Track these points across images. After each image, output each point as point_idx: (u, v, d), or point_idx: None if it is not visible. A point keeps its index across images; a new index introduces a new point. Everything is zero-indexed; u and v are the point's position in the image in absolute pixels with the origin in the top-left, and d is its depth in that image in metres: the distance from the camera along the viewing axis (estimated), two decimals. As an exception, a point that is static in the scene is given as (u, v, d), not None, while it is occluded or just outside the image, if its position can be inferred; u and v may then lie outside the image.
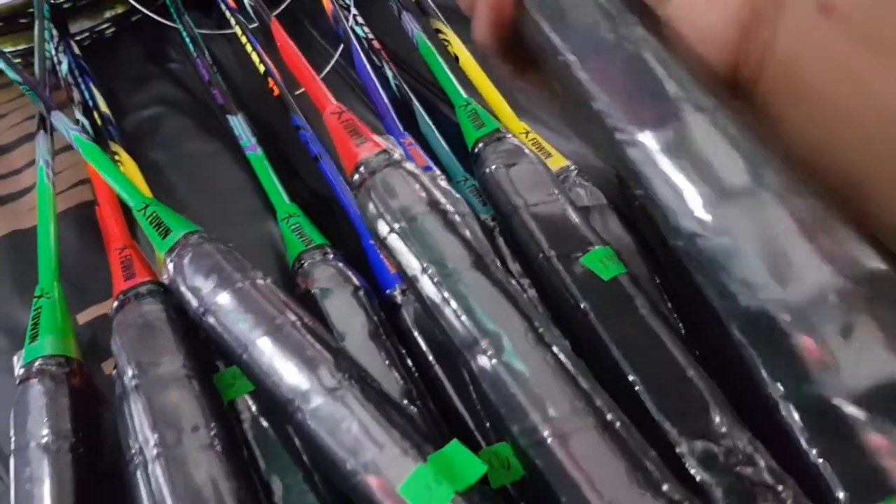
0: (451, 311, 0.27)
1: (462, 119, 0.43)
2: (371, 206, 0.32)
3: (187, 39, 0.54)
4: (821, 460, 0.20)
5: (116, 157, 0.47)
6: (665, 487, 0.22)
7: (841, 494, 0.19)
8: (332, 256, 0.38)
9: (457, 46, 0.49)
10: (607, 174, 0.41)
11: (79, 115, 0.49)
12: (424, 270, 0.29)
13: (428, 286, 0.28)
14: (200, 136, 0.51)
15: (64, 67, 0.52)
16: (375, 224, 0.31)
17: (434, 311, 0.28)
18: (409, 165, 0.32)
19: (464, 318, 0.27)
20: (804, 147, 0.20)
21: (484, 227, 0.39)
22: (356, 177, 0.32)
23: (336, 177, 0.44)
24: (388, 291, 0.38)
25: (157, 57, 0.59)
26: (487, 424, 0.32)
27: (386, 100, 0.49)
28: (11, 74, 0.46)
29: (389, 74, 0.53)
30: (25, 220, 0.47)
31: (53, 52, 0.52)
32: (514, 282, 0.28)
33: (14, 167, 0.51)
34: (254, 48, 0.50)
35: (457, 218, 0.30)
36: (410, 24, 0.51)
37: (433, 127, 0.48)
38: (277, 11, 0.57)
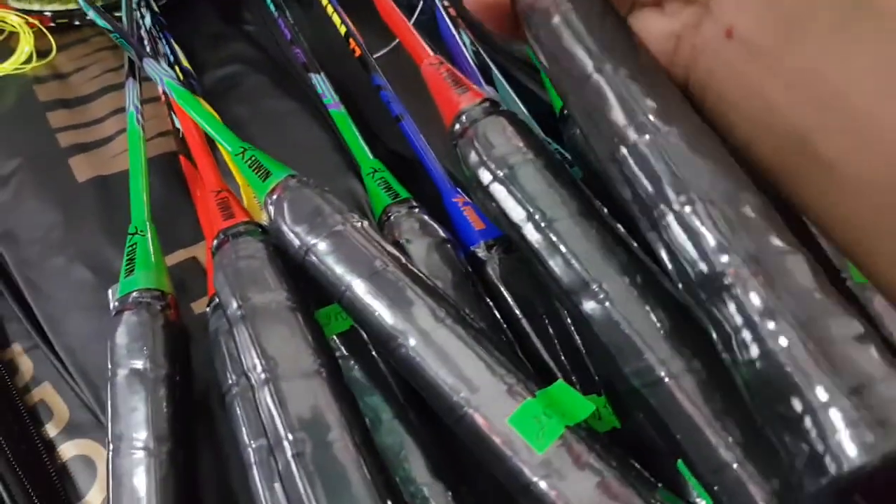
0: (560, 255, 0.28)
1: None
2: (473, 155, 0.32)
3: (268, 0, 0.55)
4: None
5: (200, 110, 0.48)
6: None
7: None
8: (417, 210, 0.38)
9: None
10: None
11: (165, 67, 0.50)
12: (530, 216, 0.29)
13: (533, 233, 0.29)
14: (280, 93, 0.52)
15: (147, 21, 0.53)
16: (477, 172, 0.32)
17: (539, 256, 0.28)
18: (512, 113, 0.32)
19: (573, 262, 0.27)
20: (736, 144, 0.24)
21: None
22: (457, 126, 0.33)
23: (418, 137, 0.44)
24: (472, 248, 0.38)
25: (232, 19, 0.60)
26: (576, 377, 0.33)
27: (470, 60, 0.49)
28: (102, 23, 0.47)
29: (467, 41, 0.53)
30: (109, 166, 0.48)
31: (136, 6, 0.53)
32: (620, 227, 0.29)
33: (96, 116, 0.52)
34: (335, 9, 0.51)
35: (561, 163, 0.30)
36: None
37: (513, 94, 0.48)
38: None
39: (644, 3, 0.27)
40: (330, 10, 0.51)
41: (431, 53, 0.37)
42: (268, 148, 0.47)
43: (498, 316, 0.35)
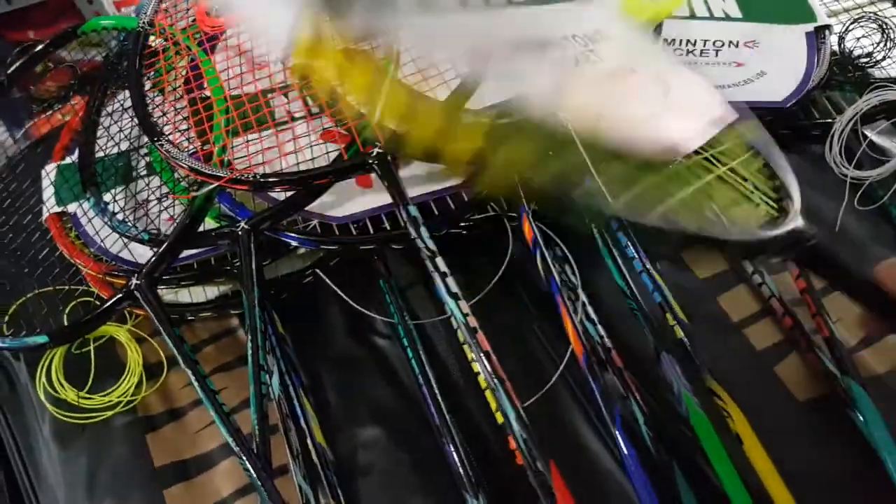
0: None
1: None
2: None
3: (405, 341, 0.48)
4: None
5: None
6: None
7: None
8: None
9: (741, 424, 0.39)
10: None
11: (295, 470, 0.42)
12: None
13: None
14: (422, 488, 0.44)
15: (275, 383, 0.45)
16: None
17: None
18: None
19: None
20: None
21: None
22: None
23: None
24: None
25: (361, 330, 0.52)
26: None
27: (631, 452, 0.40)
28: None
29: (633, 404, 0.43)
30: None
31: (263, 354, 0.46)
32: None
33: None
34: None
35: None
36: (673, 371, 0.42)
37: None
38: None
39: None
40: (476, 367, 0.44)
41: None
42: None
43: None
